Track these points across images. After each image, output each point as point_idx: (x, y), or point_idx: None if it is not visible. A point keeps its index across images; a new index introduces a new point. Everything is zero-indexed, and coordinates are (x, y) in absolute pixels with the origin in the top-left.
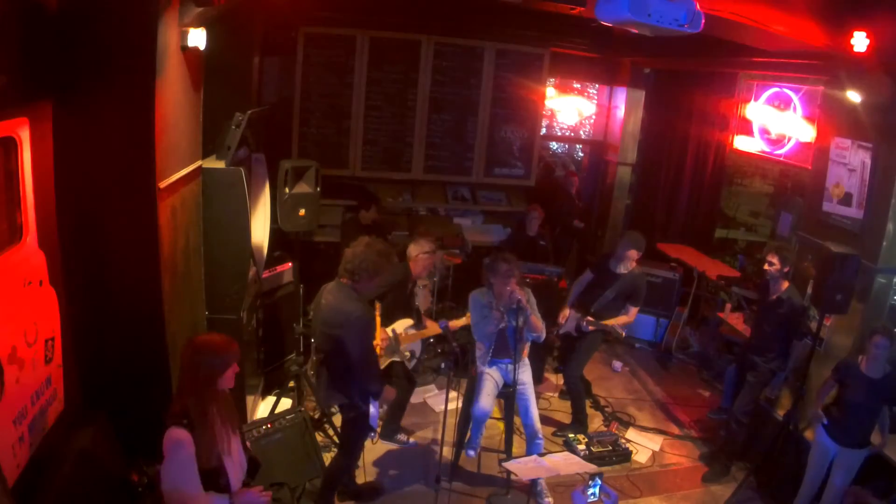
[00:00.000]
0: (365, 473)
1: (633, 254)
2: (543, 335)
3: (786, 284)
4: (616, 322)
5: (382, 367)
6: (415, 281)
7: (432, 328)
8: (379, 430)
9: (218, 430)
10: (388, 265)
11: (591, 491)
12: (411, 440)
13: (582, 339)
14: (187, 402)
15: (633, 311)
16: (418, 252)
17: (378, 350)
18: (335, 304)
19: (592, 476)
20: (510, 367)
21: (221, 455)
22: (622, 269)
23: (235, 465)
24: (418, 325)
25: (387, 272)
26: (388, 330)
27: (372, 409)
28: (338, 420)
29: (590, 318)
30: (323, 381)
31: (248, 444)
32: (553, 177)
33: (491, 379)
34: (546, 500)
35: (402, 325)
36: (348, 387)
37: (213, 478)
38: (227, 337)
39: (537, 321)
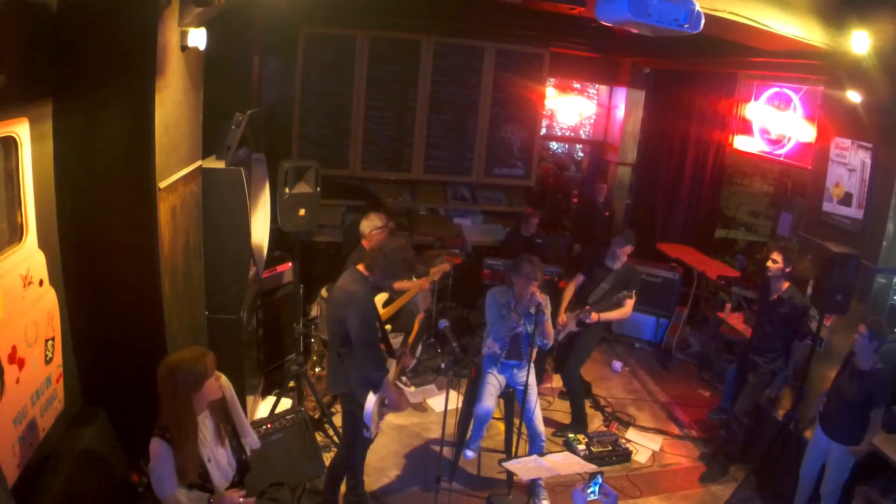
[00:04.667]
0: (366, 472)
1: (629, 249)
2: (551, 342)
3: (786, 284)
4: (614, 314)
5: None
6: None
7: (411, 289)
8: (377, 428)
9: (199, 443)
10: (405, 273)
11: (590, 490)
12: (412, 388)
13: (580, 336)
14: (169, 420)
15: (630, 302)
16: (371, 228)
17: None
18: (343, 285)
19: (593, 475)
20: (517, 370)
21: (205, 464)
22: (617, 265)
23: (224, 468)
24: (394, 294)
25: (401, 277)
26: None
27: (368, 405)
28: (338, 420)
29: (588, 308)
30: (330, 367)
31: (246, 448)
32: (594, 202)
33: (494, 379)
34: (543, 501)
35: (378, 299)
36: (347, 374)
37: (198, 486)
38: (200, 349)
39: (550, 328)
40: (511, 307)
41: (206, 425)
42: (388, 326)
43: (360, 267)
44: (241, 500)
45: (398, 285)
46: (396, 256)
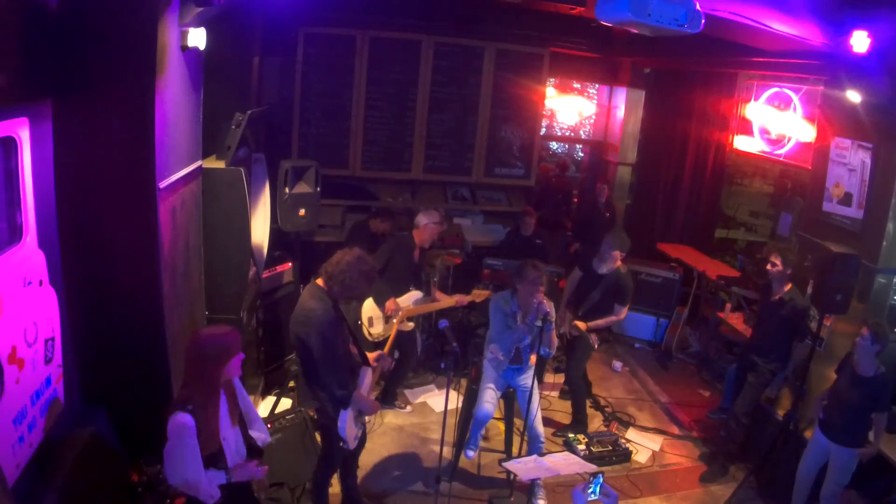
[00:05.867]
0: (365, 473)
1: (617, 254)
2: (554, 351)
3: (788, 285)
4: (606, 321)
5: (390, 334)
6: (422, 250)
7: (445, 301)
8: (356, 437)
9: (220, 418)
10: (364, 286)
11: (591, 490)
12: (408, 407)
13: (579, 337)
14: (193, 391)
15: (623, 310)
16: (427, 221)
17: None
18: (301, 302)
19: (594, 475)
20: (517, 373)
21: (221, 441)
22: (604, 270)
23: (233, 452)
24: (427, 297)
25: (361, 291)
26: (397, 301)
27: (342, 421)
28: None
29: (576, 323)
30: (301, 381)
31: (251, 434)
32: (595, 202)
33: (494, 382)
34: (539, 501)
35: (410, 297)
36: (315, 390)
37: (213, 460)
38: (230, 326)
39: (555, 337)
40: (517, 317)
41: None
42: (411, 324)
43: (319, 281)
44: (257, 468)
45: (438, 295)
46: (354, 269)
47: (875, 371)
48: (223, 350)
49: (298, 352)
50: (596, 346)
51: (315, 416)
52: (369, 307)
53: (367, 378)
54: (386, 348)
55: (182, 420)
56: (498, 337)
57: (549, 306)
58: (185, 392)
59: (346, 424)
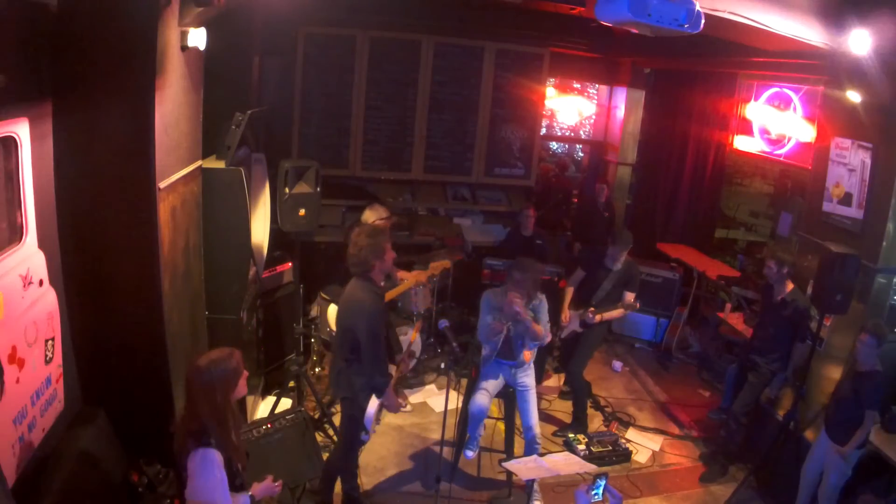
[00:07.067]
0: (365, 473)
1: (627, 251)
2: (547, 339)
3: (790, 286)
4: (620, 312)
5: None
6: None
7: (408, 280)
8: (373, 430)
9: (235, 439)
10: (384, 238)
11: (594, 491)
12: (408, 407)
13: (585, 334)
14: (206, 421)
15: (631, 296)
16: (374, 217)
17: None
18: (349, 296)
19: (598, 476)
20: (514, 370)
21: (237, 460)
22: (617, 266)
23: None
24: (389, 282)
25: (386, 243)
26: None
27: (370, 410)
28: (338, 419)
29: (592, 310)
30: (334, 372)
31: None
32: (594, 202)
33: (490, 378)
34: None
35: None
36: (353, 379)
37: (231, 480)
38: (227, 348)
39: (538, 328)
40: (501, 311)
41: None
42: None
43: (360, 275)
44: (274, 485)
45: (401, 275)
46: (363, 238)
47: (870, 367)
48: (231, 374)
49: (343, 341)
50: (638, 306)
51: (318, 415)
52: (334, 314)
53: (393, 375)
54: (407, 350)
55: (209, 456)
56: (482, 329)
57: (520, 307)
58: (196, 425)
59: (372, 416)
